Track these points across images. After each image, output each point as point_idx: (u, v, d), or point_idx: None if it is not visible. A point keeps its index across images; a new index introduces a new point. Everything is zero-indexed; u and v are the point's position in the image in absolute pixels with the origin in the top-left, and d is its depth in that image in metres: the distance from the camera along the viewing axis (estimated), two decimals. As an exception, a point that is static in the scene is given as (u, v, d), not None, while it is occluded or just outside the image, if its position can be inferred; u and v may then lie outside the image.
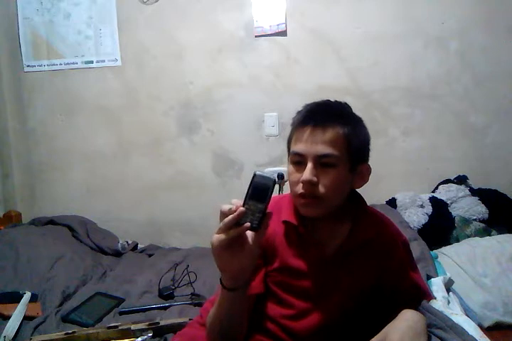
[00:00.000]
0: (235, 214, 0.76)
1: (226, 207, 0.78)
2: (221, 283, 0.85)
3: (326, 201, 0.91)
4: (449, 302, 1.36)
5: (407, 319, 0.89)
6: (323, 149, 0.89)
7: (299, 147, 0.91)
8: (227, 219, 0.76)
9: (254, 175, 0.78)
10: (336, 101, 0.99)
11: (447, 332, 1.15)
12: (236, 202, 0.78)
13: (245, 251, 0.79)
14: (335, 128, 0.90)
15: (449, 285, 1.46)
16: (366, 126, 0.99)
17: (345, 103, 1.00)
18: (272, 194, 0.77)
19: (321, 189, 0.89)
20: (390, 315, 0.92)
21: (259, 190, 0.77)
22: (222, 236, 0.77)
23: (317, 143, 0.89)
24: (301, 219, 0.97)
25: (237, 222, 0.76)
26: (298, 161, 0.92)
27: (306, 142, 0.90)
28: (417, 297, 1.02)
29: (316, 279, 0.96)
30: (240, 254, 0.79)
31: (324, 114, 0.92)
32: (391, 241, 1.01)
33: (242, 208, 0.76)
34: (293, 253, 0.97)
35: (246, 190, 0.77)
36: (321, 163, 0.89)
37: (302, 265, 0.96)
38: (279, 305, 0.98)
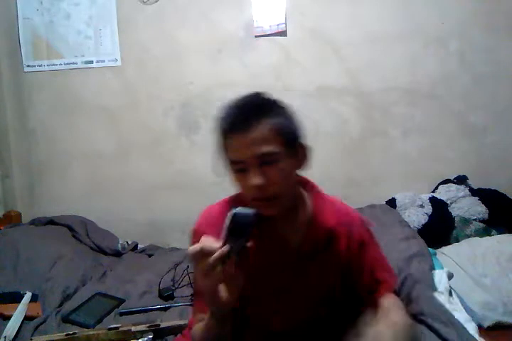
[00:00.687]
0: (219, 254, 0.76)
1: (196, 249, 0.77)
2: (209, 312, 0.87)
3: (282, 197, 0.89)
4: (451, 293, 1.38)
5: (394, 323, 0.88)
6: (259, 149, 0.85)
7: (235, 155, 0.88)
8: (212, 261, 0.76)
9: (234, 214, 0.76)
10: (248, 95, 0.93)
11: (448, 328, 1.15)
12: (206, 241, 0.78)
13: (232, 282, 0.80)
14: (261, 124, 0.86)
15: (449, 278, 1.48)
16: (284, 105, 0.95)
17: (258, 93, 0.94)
18: (253, 227, 0.77)
19: (273, 188, 0.87)
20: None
21: (241, 227, 0.76)
22: (210, 278, 0.77)
23: (251, 146, 0.85)
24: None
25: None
26: (239, 169, 0.89)
27: (239, 148, 0.87)
28: (378, 289, 0.99)
29: (285, 274, 0.96)
30: (229, 288, 0.80)
31: (245, 115, 0.88)
32: (355, 229, 1.00)
33: (224, 248, 0.76)
34: (256, 251, 0.91)
35: (225, 228, 0.77)
36: (263, 162, 0.86)
37: (267, 262, 0.95)
38: (251, 306, 0.97)
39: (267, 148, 0.86)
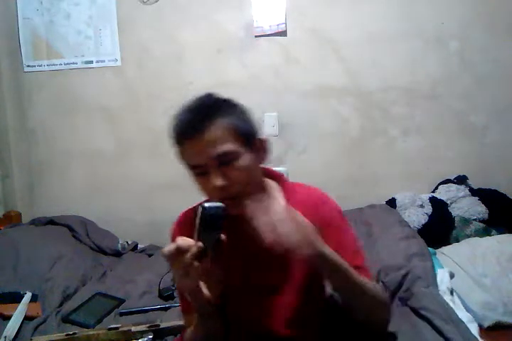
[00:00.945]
0: (195, 251, 0.76)
1: (171, 248, 0.77)
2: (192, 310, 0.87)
3: (247, 195, 0.89)
4: (452, 293, 1.39)
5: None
6: (215, 150, 0.86)
7: (194, 159, 0.88)
8: (188, 258, 0.76)
9: (204, 208, 0.77)
10: (197, 98, 0.94)
11: (449, 325, 1.15)
12: (181, 240, 0.78)
13: (211, 278, 0.81)
14: (213, 125, 0.86)
15: (451, 278, 1.48)
16: (236, 102, 0.96)
17: (208, 94, 0.95)
18: (224, 220, 0.77)
19: (236, 187, 0.87)
20: None
21: (212, 221, 0.76)
22: (189, 276, 0.77)
23: (207, 148, 0.86)
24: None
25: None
26: (200, 172, 0.89)
27: (196, 152, 0.87)
28: None
29: (262, 271, 0.96)
30: (209, 284, 0.81)
31: (196, 118, 0.88)
32: (322, 211, 0.98)
33: (199, 243, 0.76)
34: (230, 251, 0.91)
35: (197, 224, 0.77)
36: (221, 162, 0.86)
37: (242, 261, 0.95)
38: (239, 308, 0.96)
39: (222, 148, 0.86)
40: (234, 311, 0.92)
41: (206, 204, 0.77)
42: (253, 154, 0.91)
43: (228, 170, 0.86)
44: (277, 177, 1.03)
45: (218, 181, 0.85)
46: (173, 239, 0.92)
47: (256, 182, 0.93)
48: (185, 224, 0.99)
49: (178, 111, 0.92)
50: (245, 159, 0.88)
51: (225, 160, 0.86)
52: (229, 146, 0.86)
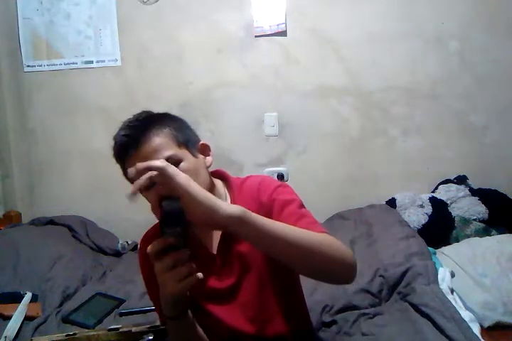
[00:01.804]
0: (182, 255, 0.75)
1: (155, 247, 0.76)
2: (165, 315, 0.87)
3: None
4: (452, 291, 1.39)
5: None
6: (157, 157, 0.86)
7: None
8: (155, 249, 0.75)
9: (162, 205, 0.76)
10: (132, 116, 1.00)
11: (450, 324, 1.15)
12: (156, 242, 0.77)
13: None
14: (151, 136, 0.89)
15: (452, 277, 1.48)
16: (172, 115, 1.02)
17: (142, 111, 1.02)
18: (184, 216, 0.75)
19: None
20: None
21: (172, 216, 0.75)
22: (184, 281, 0.76)
23: (148, 158, 0.85)
24: None
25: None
26: (147, 186, 0.82)
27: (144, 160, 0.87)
28: None
29: (206, 277, 0.94)
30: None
31: (133, 133, 0.90)
32: (264, 196, 0.95)
33: (169, 238, 0.75)
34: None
35: (160, 222, 0.76)
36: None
37: (198, 266, 0.93)
38: (202, 316, 0.97)
39: (162, 155, 0.87)
40: (197, 315, 0.94)
41: (164, 202, 0.76)
42: (196, 158, 0.94)
43: None
44: (223, 176, 1.04)
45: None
46: (142, 263, 1.01)
47: (203, 185, 0.90)
48: (150, 240, 1.00)
49: (115, 132, 0.94)
50: (188, 162, 0.91)
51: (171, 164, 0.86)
52: (169, 152, 0.89)
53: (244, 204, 0.85)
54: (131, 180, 0.84)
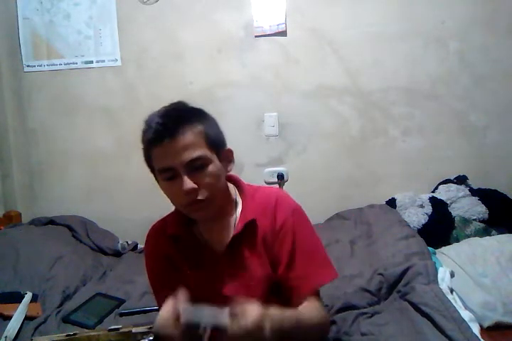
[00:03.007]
0: None
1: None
2: None
3: (214, 199, 0.93)
4: (452, 291, 1.39)
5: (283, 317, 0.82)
6: (189, 155, 0.88)
7: (165, 162, 0.90)
8: None
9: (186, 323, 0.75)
10: (170, 105, 0.98)
11: (450, 323, 1.15)
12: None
13: None
14: (186, 130, 0.89)
15: (451, 276, 1.48)
16: (207, 112, 1.00)
17: (179, 102, 0.99)
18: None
19: (205, 191, 0.90)
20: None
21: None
22: None
23: (180, 152, 0.88)
24: (186, 226, 1.00)
25: None
26: (170, 176, 0.91)
27: (169, 155, 0.89)
28: (300, 285, 0.96)
29: (209, 278, 0.97)
30: None
31: (170, 123, 0.90)
32: (279, 215, 0.97)
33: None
34: (189, 261, 0.99)
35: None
36: (193, 167, 0.89)
37: (199, 270, 0.98)
38: None
39: (196, 153, 0.89)
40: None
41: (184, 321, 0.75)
42: (220, 163, 0.95)
43: (198, 175, 0.90)
44: (236, 182, 1.05)
45: (190, 184, 0.88)
46: (148, 255, 1.03)
47: (221, 189, 0.96)
48: (154, 241, 1.04)
49: (150, 116, 0.94)
50: (214, 166, 0.92)
51: (196, 165, 0.89)
52: (201, 152, 0.89)
53: (255, 214, 0.94)
54: (157, 168, 0.91)
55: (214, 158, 0.92)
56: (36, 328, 1.40)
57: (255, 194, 1.01)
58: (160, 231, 1.04)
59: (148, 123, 0.93)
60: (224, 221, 1.00)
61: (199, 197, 0.90)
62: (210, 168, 0.91)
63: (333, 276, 0.99)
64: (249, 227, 0.96)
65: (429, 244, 1.66)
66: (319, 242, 1.01)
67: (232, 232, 0.97)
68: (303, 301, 0.94)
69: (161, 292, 0.92)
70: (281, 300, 0.98)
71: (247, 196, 1.01)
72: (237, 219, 0.99)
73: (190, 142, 0.89)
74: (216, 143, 0.94)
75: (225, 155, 0.97)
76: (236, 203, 1.02)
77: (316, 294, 0.98)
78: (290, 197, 1.04)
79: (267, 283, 0.97)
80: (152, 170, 0.97)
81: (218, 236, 0.99)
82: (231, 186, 1.04)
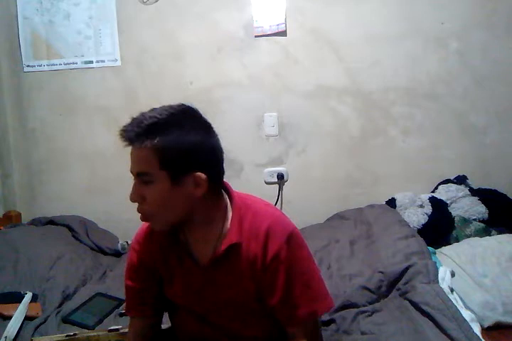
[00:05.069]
0: None
1: None
2: None
3: (156, 217, 0.90)
4: (452, 290, 1.39)
5: None
6: (137, 168, 0.88)
7: (130, 166, 0.90)
8: None
9: None
10: (155, 109, 0.89)
11: (451, 323, 1.15)
12: None
13: None
14: (143, 144, 0.84)
15: (452, 276, 1.49)
16: (194, 129, 0.88)
17: (177, 106, 0.89)
18: None
19: (146, 206, 0.89)
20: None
21: None
22: None
23: (134, 162, 0.88)
24: (173, 235, 0.97)
25: None
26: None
27: (131, 160, 0.89)
28: (292, 318, 0.92)
29: (188, 289, 0.97)
30: None
31: (134, 130, 0.85)
32: (273, 242, 0.90)
33: None
34: (173, 268, 0.98)
35: None
36: (142, 180, 0.88)
37: (184, 283, 0.97)
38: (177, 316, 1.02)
39: (142, 168, 0.87)
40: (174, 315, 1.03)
41: None
42: (179, 187, 0.86)
43: (145, 188, 0.88)
44: (235, 202, 0.96)
45: (131, 195, 0.89)
46: (132, 252, 1.03)
47: (170, 213, 0.90)
48: (142, 239, 1.05)
49: (139, 113, 0.89)
50: (161, 187, 0.86)
51: (144, 180, 0.88)
52: (147, 169, 0.86)
53: (243, 237, 0.90)
54: None
55: (164, 178, 0.85)
56: (36, 328, 1.40)
57: (247, 212, 0.94)
58: (148, 235, 1.03)
59: (135, 117, 0.89)
60: (210, 233, 0.93)
61: (138, 210, 0.90)
62: (156, 188, 0.86)
63: (327, 309, 0.97)
64: (234, 249, 0.91)
65: (429, 244, 1.66)
66: (315, 272, 0.96)
67: (217, 247, 0.92)
68: (295, 329, 0.93)
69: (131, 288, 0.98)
70: (261, 322, 0.98)
71: (236, 213, 0.93)
72: (224, 235, 0.92)
73: (142, 155, 0.85)
74: (173, 165, 0.85)
75: (190, 180, 0.86)
76: (227, 211, 0.95)
77: (314, 321, 0.96)
78: (285, 218, 0.96)
79: (246, 308, 0.95)
80: None
81: (203, 250, 0.95)
82: (225, 196, 0.97)
